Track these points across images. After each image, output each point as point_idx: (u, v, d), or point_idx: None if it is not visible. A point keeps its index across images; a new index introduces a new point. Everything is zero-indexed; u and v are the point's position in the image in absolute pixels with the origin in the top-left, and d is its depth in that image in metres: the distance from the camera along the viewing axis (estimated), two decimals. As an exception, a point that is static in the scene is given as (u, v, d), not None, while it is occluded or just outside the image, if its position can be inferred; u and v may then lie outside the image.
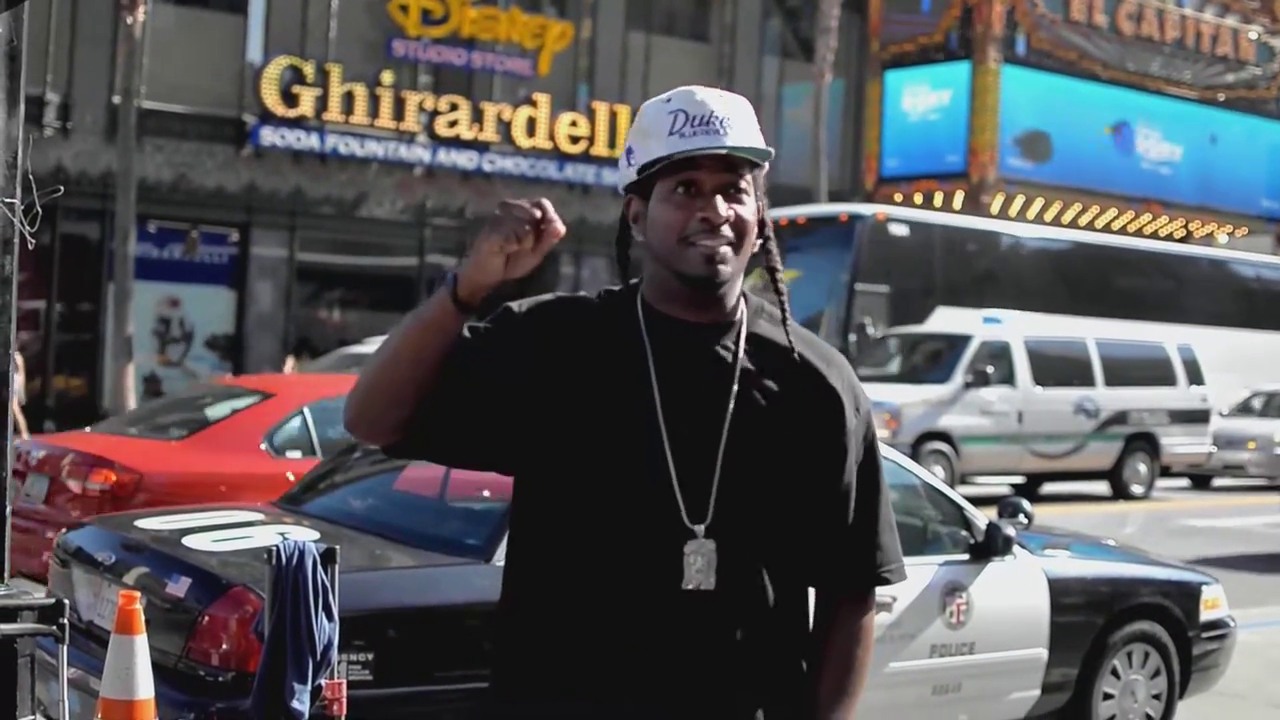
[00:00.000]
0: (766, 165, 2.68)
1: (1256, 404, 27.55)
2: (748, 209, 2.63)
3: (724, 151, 2.58)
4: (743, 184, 2.63)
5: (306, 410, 10.12)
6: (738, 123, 2.61)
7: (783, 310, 2.71)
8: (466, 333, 2.61)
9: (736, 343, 2.67)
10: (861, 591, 2.78)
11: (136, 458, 9.58)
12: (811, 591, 2.78)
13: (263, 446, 9.82)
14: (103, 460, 9.41)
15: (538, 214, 2.45)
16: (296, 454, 9.83)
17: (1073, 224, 36.24)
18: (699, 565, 2.57)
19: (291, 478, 8.58)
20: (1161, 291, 29.07)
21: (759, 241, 2.69)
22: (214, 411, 10.73)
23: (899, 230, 25.45)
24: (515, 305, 2.70)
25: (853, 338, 23.52)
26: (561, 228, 2.45)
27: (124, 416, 13.96)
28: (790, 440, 2.65)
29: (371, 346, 19.11)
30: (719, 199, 2.60)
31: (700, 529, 2.58)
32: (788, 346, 2.70)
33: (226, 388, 12.55)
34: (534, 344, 2.64)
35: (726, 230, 2.60)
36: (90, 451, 9.70)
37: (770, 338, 2.71)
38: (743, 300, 2.73)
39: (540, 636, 2.67)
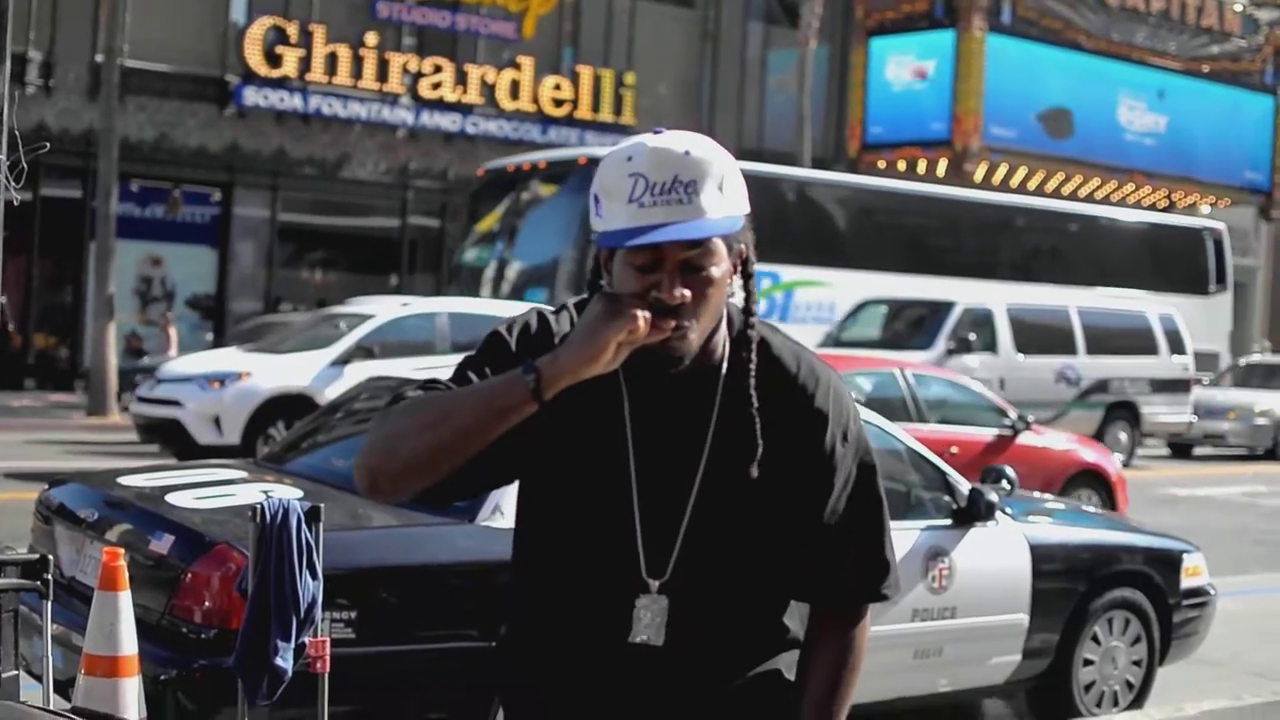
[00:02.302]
0: (744, 221, 2.49)
1: (1238, 375, 27.64)
2: (714, 272, 2.44)
3: (684, 241, 2.40)
4: (709, 251, 2.44)
5: None
6: (705, 186, 2.40)
7: (749, 350, 2.55)
8: (473, 375, 2.50)
9: (714, 390, 2.55)
10: (856, 608, 2.69)
11: None
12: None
13: None
14: None
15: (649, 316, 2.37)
16: None
17: (1056, 193, 36.23)
18: (647, 620, 2.53)
19: None
20: (960, 245, 28.04)
21: (739, 282, 2.56)
22: None
23: None
24: (504, 331, 2.58)
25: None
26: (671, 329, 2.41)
27: None
28: (767, 490, 2.54)
29: (353, 308, 19.03)
30: (677, 278, 2.41)
31: (655, 584, 2.53)
32: (780, 376, 2.58)
33: None
34: None
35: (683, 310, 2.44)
36: None
37: (751, 371, 2.56)
38: (725, 332, 2.59)
39: (517, 666, 2.69)
